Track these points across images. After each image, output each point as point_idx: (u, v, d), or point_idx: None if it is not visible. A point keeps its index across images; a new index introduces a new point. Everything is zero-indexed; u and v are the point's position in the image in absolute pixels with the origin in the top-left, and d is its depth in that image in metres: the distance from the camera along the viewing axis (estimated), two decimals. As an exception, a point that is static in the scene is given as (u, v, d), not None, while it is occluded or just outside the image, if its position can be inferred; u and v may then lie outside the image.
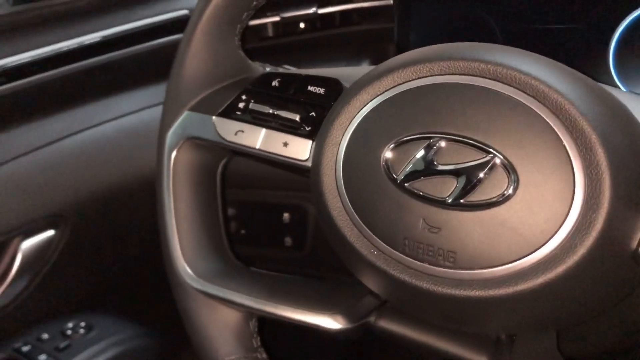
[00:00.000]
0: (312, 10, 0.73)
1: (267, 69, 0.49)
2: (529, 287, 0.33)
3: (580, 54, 0.62)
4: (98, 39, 0.65)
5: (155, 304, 0.73)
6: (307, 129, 0.43)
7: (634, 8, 0.59)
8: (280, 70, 0.50)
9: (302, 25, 0.78)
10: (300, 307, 0.42)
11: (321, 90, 0.43)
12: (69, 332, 0.71)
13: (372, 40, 0.75)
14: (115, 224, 0.71)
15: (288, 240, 0.73)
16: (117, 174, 0.68)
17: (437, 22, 0.69)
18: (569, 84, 0.34)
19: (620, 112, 0.34)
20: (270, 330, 0.49)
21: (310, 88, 0.44)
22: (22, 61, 0.61)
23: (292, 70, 0.51)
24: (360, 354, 1.04)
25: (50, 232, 0.68)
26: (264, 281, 0.46)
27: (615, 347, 0.53)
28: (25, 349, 0.68)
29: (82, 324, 0.73)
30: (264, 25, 0.78)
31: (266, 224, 0.74)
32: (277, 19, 0.75)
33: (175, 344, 0.76)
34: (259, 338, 0.45)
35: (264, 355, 0.45)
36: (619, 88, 0.61)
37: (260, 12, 0.78)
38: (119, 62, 0.67)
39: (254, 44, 0.80)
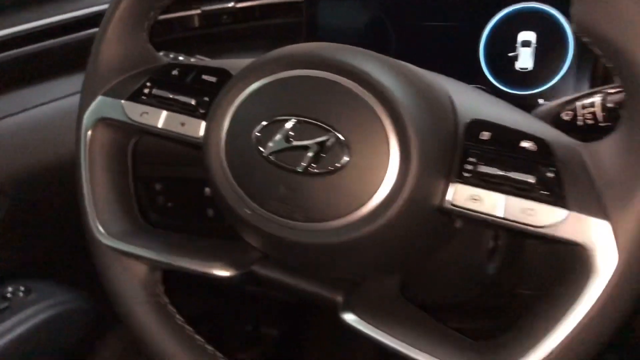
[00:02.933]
0: (230, 4, 0.81)
1: (169, 60, 0.57)
2: (358, 236, 0.42)
3: (455, 49, 0.72)
4: (32, 29, 0.72)
5: (90, 271, 0.80)
6: (201, 111, 0.51)
7: (502, 7, 0.70)
8: (187, 60, 0.58)
9: (224, 17, 0.86)
10: (195, 259, 0.51)
11: (213, 79, 0.52)
12: (9, 295, 0.78)
13: (286, 33, 0.84)
14: (49, 197, 0.78)
15: (210, 212, 0.82)
16: (50, 152, 0.75)
17: (340, 18, 0.78)
18: (389, 75, 0.43)
19: (427, 95, 0.44)
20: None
21: (204, 77, 0.52)
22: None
23: (196, 61, 0.59)
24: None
25: (-11, 202, 0.75)
26: (167, 239, 0.54)
27: (461, 302, 0.63)
28: (-34, 310, 0.75)
29: (22, 288, 0.80)
30: (190, 17, 0.86)
31: (190, 197, 0.82)
32: (198, 11, 0.82)
33: (107, 307, 0.84)
34: (162, 287, 0.54)
35: (166, 300, 0.54)
36: (489, 81, 0.71)
37: (185, 5, 0.85)
38: (52, 51, 0.74)
39: (179, 34, 0.88)
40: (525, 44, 0.69)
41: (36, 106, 0.75)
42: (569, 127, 0.52)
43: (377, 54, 0.46)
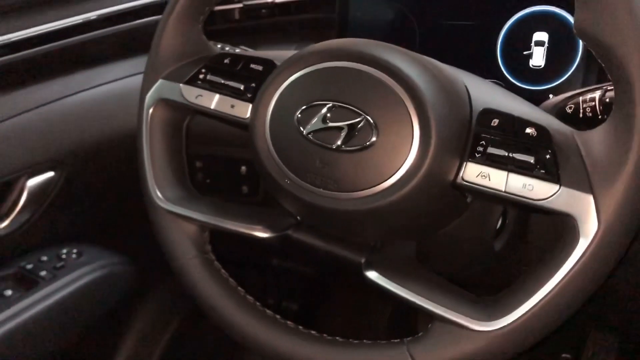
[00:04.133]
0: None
1: (222, 50, 0.65)
2: (381, 204, 0.50)
3: (474, 47, 0.79)
4: (94, 17, 0.81)
5: (138, 237, 0.88)
6: (249, 95, 0.59)
7: (519, 9, 0.76)
8: (233, 50, 0.66)
9: (263, 11, 0.93)
10: (238, 221, 0.59)
11: (260, 68, 0.60)
12: (64, 256, 0.87)
13: (319, 26, 0.91)
14: (104, 168, 0.87)
15: (245, 189, 0.90)
16: (107, 128, 0.84)
17: (370, 14, 0.85)
18: (414, 67, 0.51)
19: (447, 86, 0.51)
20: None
21: (252, 66, 0.60)
22: (31, 34, 0.77)
23: (242, 51, 0.67)
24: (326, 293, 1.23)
25: (50, 174, 0.82)
26: (215, 205, 0.62)
27: (468, 276, 0.71)
28: (29, 266, 0.84)
29: (75, 250, 0.88)
30: (232, 10, 0.94)
31: (227, 175, 0.90)
32: (240, 5, 0.90)
33: (153, 270, 0.92)
34: (210, 246, 0.63)
35: (213, 257, 0.62)
36: (506, 76, 0.78)
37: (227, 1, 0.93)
38: (111, 36, 0.83)
39: (223, 25, 0.96)
40: (539, 43, 0.75)
41: (95, 86, 0.83)
42: (572, 119, 0.59)
43: (404, 49, 0.53)
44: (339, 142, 0.51)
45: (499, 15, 0.77)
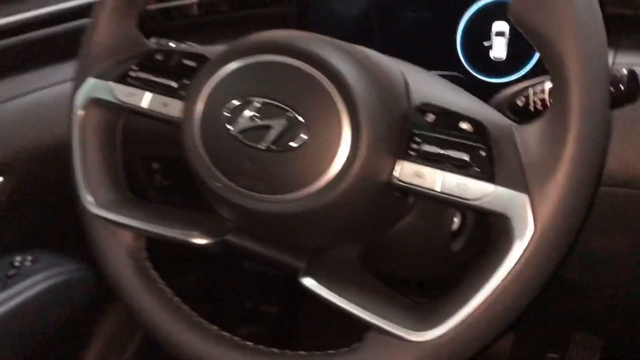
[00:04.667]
0: (225, -7, 0.86)
1: (155, 46, 0.62)
2: (313, 206, 0.47)
3: (434, 39, 0.76)
4: (34, 16, 0.78)
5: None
6: (182, 93, 0.56)
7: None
8: (165, 46, 0.63)
9: (222, 6, 0.90)
10: (174, 228, 0.56)
11: (193, 64, 0.57)
12: (17, 263, 0.85)
13: (279, 21, 0.88)
14: (53, 173, 0.84)
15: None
16: (55, 130, 0.81)
17: (329, 8, 0.82)
18: (346, 62, 0.47)
19: (381, 80, 0.48)
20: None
21: (185, 61, 0.57)
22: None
23: (180, 47, 0.64)
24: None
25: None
26: (151, 209, 0.60)
27: (429, 278, 0.68)
28: (-21, 276, 0.81)
29: (29, 257, 0.86)
30: (189, 5, 0.91)
31: (185, 176, 0.87)
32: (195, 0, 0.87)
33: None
34: (146, 253, 0.60)
35: (149, 265, 0.59)
36: (466, 69, 0.75)
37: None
38: (51, 39, 0.80)
39: (179, 22, 0.93)
40: (499, 34, 0.72)
41: (41, 88, 0.80)
42: (524, 113, 0.56)
43: (339, 42, 0.50)
44: (267, 142, 0.48)
45: (458, 5, 0.74)
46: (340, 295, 0.48)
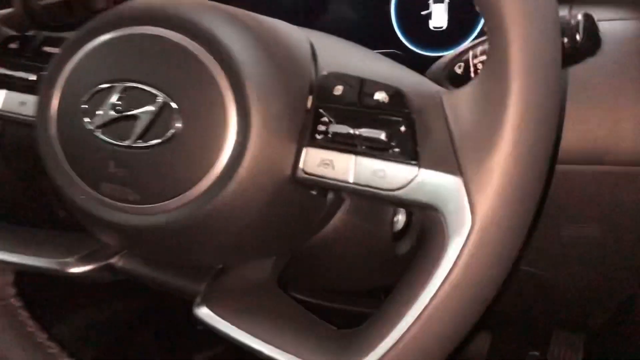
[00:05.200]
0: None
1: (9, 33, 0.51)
2: (199, 214, 0.36)
3: (365, 11, 0.66)
4: None
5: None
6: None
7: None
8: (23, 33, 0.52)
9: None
10: (43, 256, 0.45)
11: (55, 50, 0.46)
12: None
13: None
14: None
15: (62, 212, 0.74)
16: None
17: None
18: (228, 28, 0.37)
19: (278, 51, 0.38)
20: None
21: (45, 48, 0.46)
22: None
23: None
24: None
25: None
26: (17, 235, 0.48)
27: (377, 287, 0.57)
28: None
29: None
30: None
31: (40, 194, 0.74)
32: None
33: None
34: (14, 289, 0.48)
35: (18, 304, 0.48)
36: (404, 44, 0.65)
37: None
38: None
39: (83, 14, 0.81)
40: (438, 0, 0.62)
41: None
42: (463, 81, 0.46)
43: (226, 7, 0.39)
44: (134, 137, 0.37)
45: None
46: (241, 326, 0.38)
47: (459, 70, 0.46)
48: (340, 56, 0.41)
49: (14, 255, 0.46)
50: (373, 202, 0.40)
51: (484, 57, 0.44)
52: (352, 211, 0.46)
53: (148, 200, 0.37)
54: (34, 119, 0.44)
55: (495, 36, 0.31)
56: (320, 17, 0.68)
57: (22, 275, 0.48)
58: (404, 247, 0.54)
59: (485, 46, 0.44)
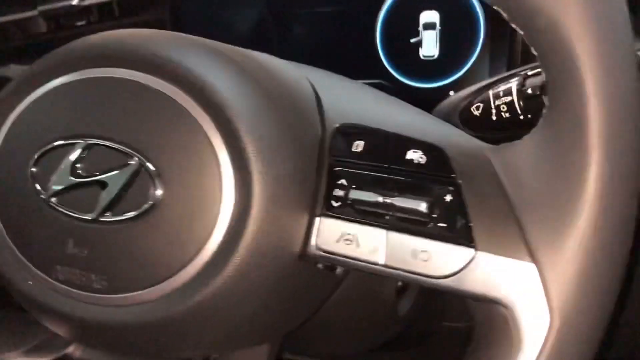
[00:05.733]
0: (74, 1, 0.66)
1: None
2: (186, 307, 0.28)
3: (348, 39, 0.59)
4: None
5: None
6: None
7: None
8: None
9: (75, 17, 0.70)
10: None
11: None
12: None
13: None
14: None
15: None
16: None
17: (210, 11, 0.64)
18: (222, 71, 0.30)
19: (280, 98, 0.31)
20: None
21: None
22: None
23: None
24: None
25: None
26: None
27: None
28: None
29: None
30: (30, 19, 0.70)
31: None
32: (35, 12, 0.67)
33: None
34: None
35: None
36: (392, 74, 0.59)
37: (21, 6, 0.69)
38: None
39: (23, 41, 0.72)
40: (429, 26, 0.57)
41: None
42: (484, 124, 0.40)
43: (214, 44, 0.32)
44: (98, 209, 0.29)
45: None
46: None
47: (476, 112, 0.40)
48: (350, 101, 0.34)
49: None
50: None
51: (508, 98, 0.38)
52: (356, 280, 0.39)
53: (117, 290, 0.29)
54: None
55: (561, 81, 0.25)
56: (291, 44, 0.62)
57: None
58: (405, 305, 0.48)
59: (509, 84, 0.39)
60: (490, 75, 0.57)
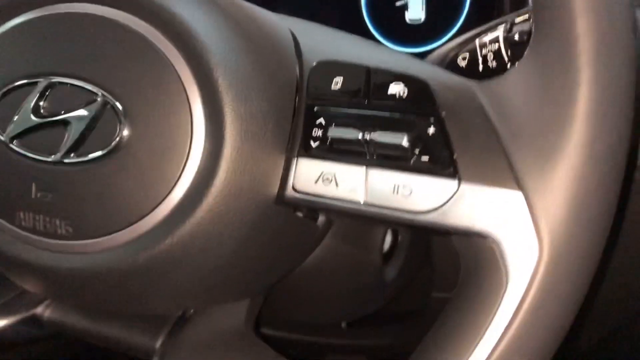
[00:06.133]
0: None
1: None
2: (155, 252, 0.27)
3: (332, 3, 0.58)
4: None
5: None
6: None
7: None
8: None
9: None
10: None
11: None
12: None
13: None
14: None
15: None
16: None
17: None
18: (191, 5, 0.28)
19: (255, 37, 0.29)
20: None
21: None
22: None
23: None
24: None
25: None
26: None
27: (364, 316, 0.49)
28: None
29: None
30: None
31: None
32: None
33: None
34: None
35: None
36: (377, 39, 0.58)
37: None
38: None
39: None
40: (414, -11, 0.55)
41: None
42: (469, 76, 0.39)
43: None
44: (62, 150, 0.28)
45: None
46: None
47: (462, 63, 0.39)
48: (329, 42, 0.32)
49: None
50: (391, 225, 0.32)
51: (495, 46, 0.36)
52: (339, 235, 0.37)
53: (84, 235, 0.28)
54: None
55: (548, 9, 0.24)
56: (273, 7, 0.60)
57: None
58: (392, 271, 0.46)
59: (495, 33, 0.37)
60: (478, 39, 0.56)
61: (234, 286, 0.32)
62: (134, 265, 0.27)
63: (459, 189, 0.24)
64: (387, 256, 0.45)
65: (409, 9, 0.56)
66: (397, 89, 0.27)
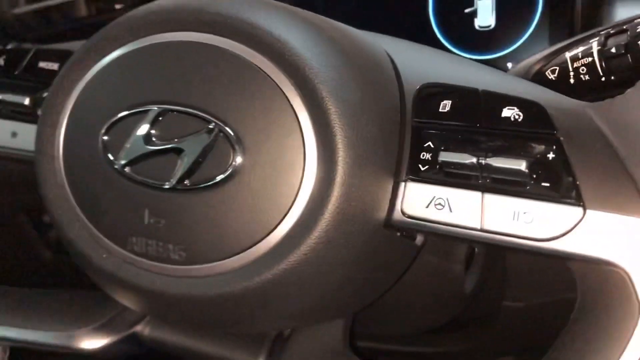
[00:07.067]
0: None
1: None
2: (266, 278, 0.27)
3: (398, 7, 0.58)
4: None
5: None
6: (39, 112, 0.35)
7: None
8: (13, 46, 0.42)
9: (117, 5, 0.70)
10: (45, 326, 0.35)
11: (55, 66, 0.36)
12: None
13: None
14: None
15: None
16: None
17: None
18: (301, 34, 0.28)
19: (359, 61, 0.29)
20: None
21: (42, 64, 0.37)
22: None
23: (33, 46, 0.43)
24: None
25: None
26: (9, 301, 0.38)
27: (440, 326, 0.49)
28: None
29: None
30: (72, 3, 0.69)
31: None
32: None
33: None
34: None
35: None
36: (445, 47, 0.57)
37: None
38: None
39: (64, 26, 0.71)
40: (484, -5, 0.55)
41: None
42: (559, 89, 0.38)
43: (293, 8, 0.30)
44: (176, 177, 0.28)
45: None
46: None
47: (551, 76, 0.38)
48: (427, 62, 0.32)
49: (8, 329, 0.36)
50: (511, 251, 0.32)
51: (588, 60, 0.36)
52: (430, 250, 0.37)
53: (196, 260, 0.28)
54: (30, 154, 0.35)
55: None
56: (338, 15, 0.60)
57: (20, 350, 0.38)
58: (470, 282, 0.46)
59: (588, 46, 0.37)
60: (550, 45, 0.55)
61: (337, 307, 0.32)
62: (246, 290, 0.28)
63: (585, 216, 0.24)
64: (467, 267, 0.45)
65: (478, 16, 0.55)
66: (510, 113, 0.27)
